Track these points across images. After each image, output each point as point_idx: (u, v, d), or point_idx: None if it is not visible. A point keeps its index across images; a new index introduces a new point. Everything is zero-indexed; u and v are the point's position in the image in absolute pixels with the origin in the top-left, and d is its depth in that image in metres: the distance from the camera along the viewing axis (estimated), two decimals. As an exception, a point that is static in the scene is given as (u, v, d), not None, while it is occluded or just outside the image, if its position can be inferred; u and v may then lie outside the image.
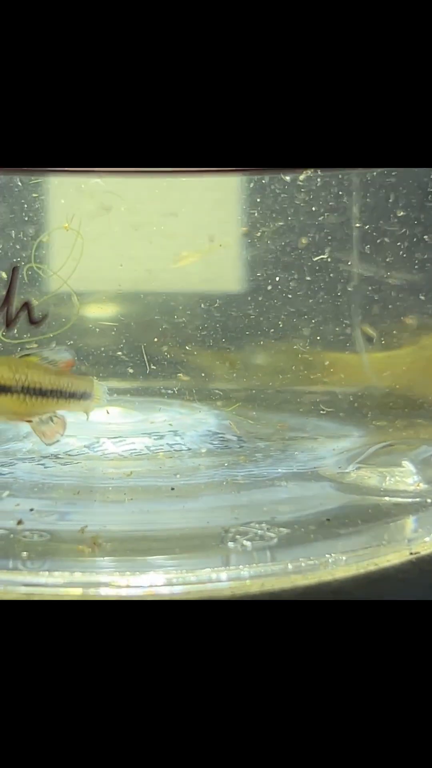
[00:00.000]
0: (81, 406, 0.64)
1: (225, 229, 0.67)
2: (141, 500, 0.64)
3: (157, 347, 0.67)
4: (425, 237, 0.68)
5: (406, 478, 0.67)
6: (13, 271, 0.63)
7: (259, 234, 0.67)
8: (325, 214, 0.67)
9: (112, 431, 0.68)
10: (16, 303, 0.62)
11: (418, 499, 0.65)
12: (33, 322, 0.63)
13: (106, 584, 0.57)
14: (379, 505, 0.65)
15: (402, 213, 0.68)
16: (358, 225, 0.68)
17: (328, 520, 0.63)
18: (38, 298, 0.64)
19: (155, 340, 0.67)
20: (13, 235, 0.66)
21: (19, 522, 0.61)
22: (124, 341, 0.67)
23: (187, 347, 0.68)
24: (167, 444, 0.68)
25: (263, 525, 0.61)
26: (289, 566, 0.59)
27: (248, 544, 0.60)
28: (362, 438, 0.69)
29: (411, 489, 0.66)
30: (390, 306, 0.69)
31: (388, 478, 0.67)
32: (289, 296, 0.68)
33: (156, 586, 0.58)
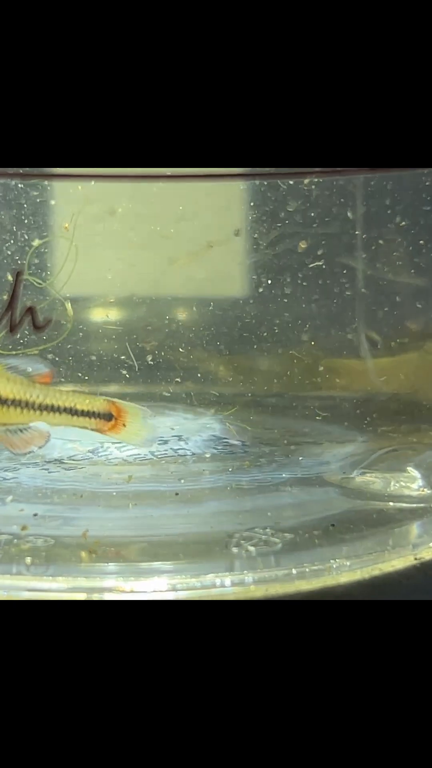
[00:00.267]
0: (90, 424, 0.62)
1: (227, 233, 0.67)
2: (145, 505, 0.64)
3: (159, 351, 0.67)
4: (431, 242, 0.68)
5: (410, 483, 0.67)
6: (17, 275, 0.63)
7: (262, 238, 0.67)
8: (327, 219, 0.67)
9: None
10: (20, 308, 0.62)
11: (422, 505, 0.65)
12: (37, 327, 0.63)
13: (110, 589, 0.57)
14: (384, 510, 0.65)
15: (405, 217, 0.68)
16: (361, 229, 0.68)
17: (332, 525, 0.62)
18: (40, 303, 0.64)
19: (154, 344, 0.67)
20: (16, 239, 0.66)
21: (24, 527, 0.61)
22: (126, 345, 0.67)
23: (190, 351, 0.68)
24: (171, 449, 0.68)
25: (267, 530, 0.61)
26: (294, 571, 0.59)
27: (252, 549, 0.60)
28: (367, 443, 0.69)
29: (416, 494, 0.66)
30: (395, 311, 0.69)
31: (392, 483, 0.67)
32: (293, 301, 0.68)
33: (160, 591, 0.57)
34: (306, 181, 0.66)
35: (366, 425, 0.69)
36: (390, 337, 0.69)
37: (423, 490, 0.66)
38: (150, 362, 0.67)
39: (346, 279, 0.68)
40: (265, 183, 0.66)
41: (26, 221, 0.65)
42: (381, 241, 0.68)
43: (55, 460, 0.67)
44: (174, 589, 0.58)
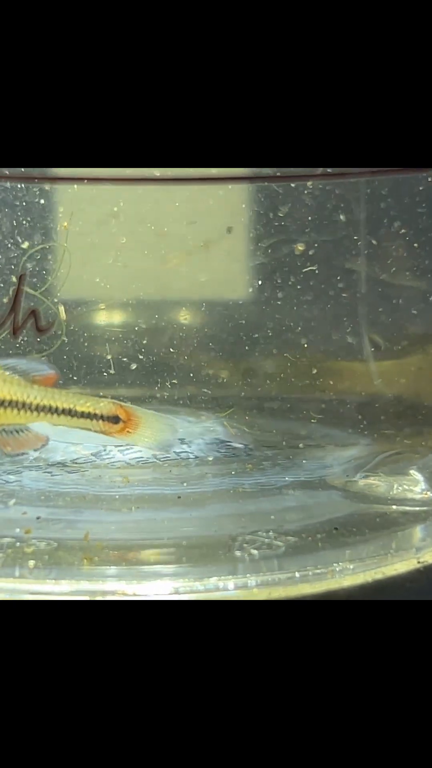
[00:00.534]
0: (93, 426, 0.62)
1: (230, 235, 0.67)
2: (148, 508, 0.64)
3: (164, 354, 0.67)
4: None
5: (414, 486, 0.67)
6: (20, 278, 0.63)
7: (264, 241, 0.67)
8: (327, 222, 0.67)
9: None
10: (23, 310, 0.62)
11: (426, 508, 0.65)
12: (40, 329, 0.63)
13: (113, 592, 0.57)
14: (387, 513, 0.64)
15: (406, 219, 0.68)
16: (363, 232, 0.68)
17: (335, 528, 0.62)
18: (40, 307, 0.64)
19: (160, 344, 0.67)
20: (17, 243, 0.66)
21: (27, 530, 0.61)
22: (129, 348, 0.67)
23: (193, 354, 0.68)
24: (174, 452, 0.68)
25: (270, 533, 0.61)
26: (297, 575, 0.59)
27: (255, 552, 0.60)
28: (370, 446, 0.69)
29: (419, 497, 0.66)
30: (397, 313, 0.69)
31: (395, 486, 0.67)
32: (295, 304, 0.68)
33: (163, 594, 0.57)
34: (309, 183, 0.66)
35: (369, 428, 0.69)
36: (392, 340, 0.69)
37: (426, 494, 0.66)
38: (151, 365, 0.67)
39: (348, 282, 0.68)
40: (266, 185, 0.66)
41: (27, 224, 0.65)
42: (383, 244, 0.68)
43: (58, 463, 0.66)
44: (177, 592, 0.58)
